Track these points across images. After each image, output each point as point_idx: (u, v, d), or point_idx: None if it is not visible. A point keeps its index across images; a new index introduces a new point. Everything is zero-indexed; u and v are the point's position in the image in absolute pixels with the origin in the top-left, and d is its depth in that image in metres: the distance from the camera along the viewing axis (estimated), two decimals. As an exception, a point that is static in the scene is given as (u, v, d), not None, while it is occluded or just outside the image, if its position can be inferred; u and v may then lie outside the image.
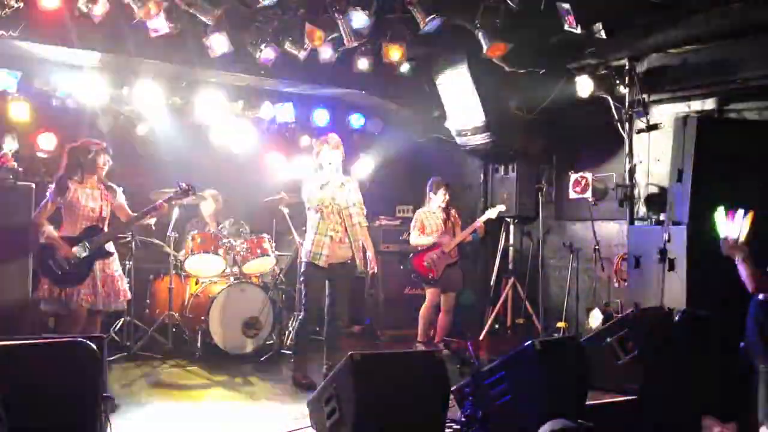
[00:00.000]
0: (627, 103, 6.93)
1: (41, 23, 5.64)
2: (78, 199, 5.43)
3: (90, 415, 3.17)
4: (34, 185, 5.74)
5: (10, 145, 6.69)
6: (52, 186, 5.46)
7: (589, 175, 7.33)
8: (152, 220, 6.16)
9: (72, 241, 5.36)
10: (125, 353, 6.53)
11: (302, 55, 6.26)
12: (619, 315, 6.32)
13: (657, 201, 6.80)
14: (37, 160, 7.00)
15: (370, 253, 5.73)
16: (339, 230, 5.65)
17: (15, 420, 2.95)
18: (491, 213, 7.31)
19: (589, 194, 7.30)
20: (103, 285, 5.42)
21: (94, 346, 3.20)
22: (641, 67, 6.84)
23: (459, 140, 8.05)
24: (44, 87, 6.85)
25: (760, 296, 4.31)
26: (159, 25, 5.57)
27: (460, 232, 7.23)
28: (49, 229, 5.37)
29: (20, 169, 5.96)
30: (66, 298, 5.28)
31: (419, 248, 7.16)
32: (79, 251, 5.33)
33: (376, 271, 5.93)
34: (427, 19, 5.76)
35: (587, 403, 4.40)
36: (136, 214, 5.67)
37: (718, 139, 5.86)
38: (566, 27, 5.75)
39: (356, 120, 8.73)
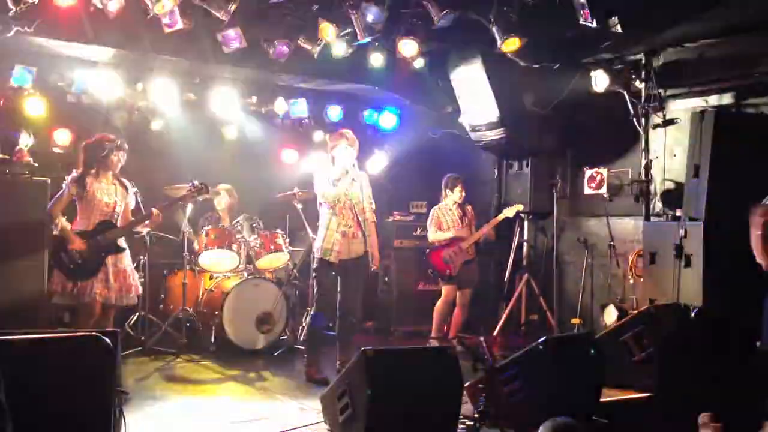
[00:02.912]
0: (643, 98, 6.87)
1: (56, 19, 5.65)
2: (94, 193, 5.46)
3: (104, 408, 3.18)
4: (49, 180, 5.78)
5: (26, 140, 6.73)
6: (68, 179, 5.49)
7: (604, 171, 7.28)
8: (145, 230, 6.18)
9: (84, 235, 5.39)
10: (139, 348, 6.56)
11: (316, 50, 6.26)
12: (635, 312, 6.27)
13: (673, 197, 6.73)
14: (52, 156, 7.04)
15: (374, 251, 5.74)
16: (352, 225, 5.65)
17: (29, 414, 2.97)
18: (509, 212, 7.29)
19: (604, 190, 7.25)
20: (115, 280, 5.45)
21: (109, 341, 3.21)
22: (657, 62, 6.79)
23: (473, 136, 8.01)
24: (59, 83, 6.88)
25: None
26: (173, 21, 5.58)
27: (475, 230, 7.21)
28: (63, 221, 5.41)
29: (36, 164, 6.00)
30: (79, 292, 5.31)
31: (436, 244, 7.16)
32: (89, 246, 5.35)
33: (378, 268, 5.94)
34: (441, 14, 5.73)
35: (602, 399, 4.38)
36: (132, 220, 5.70)
37: (736, 135, 5.78)
38: (581, 21, 5.70)
39: (369, 116, 8.71)
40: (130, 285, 5.56)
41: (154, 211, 5.64)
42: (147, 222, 5.73)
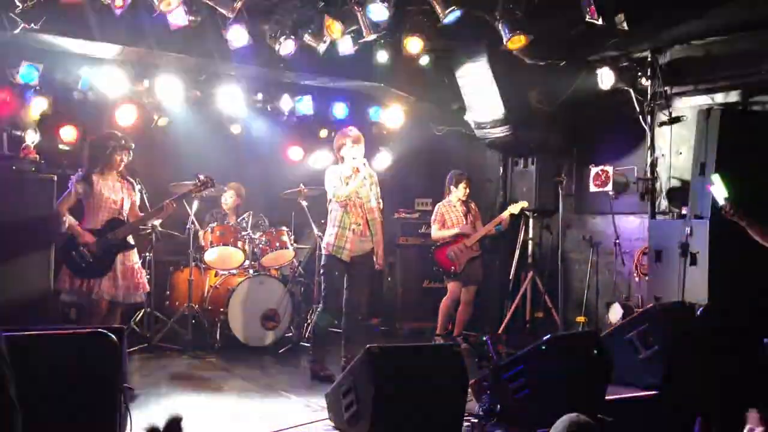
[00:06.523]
0: (649, 96, 6.86)
1: (63, 16, 5.67)
2: (100, 191, 5.46)
3: (110, 405, 3.20)
4: (55, 177, 5.79)
5: (32, 137, 6.74)
6: (74, 176, 5.50)
7: (609, 169, 7.26)
8: (157, 222, 6.18)
9: (94, 233, 5.39)
10: (145, 344, 6.57)
11: (321, 47, 6.25)
12: (640, 310, 6.27)
13: (679, 195, 6.71)
14: (58, 153, 7.05)
15: (379, 249, 5.75)
16: (360, 223, 5.66)
17: (36, 410, 2.97)
18: (514, 209, 7.27)
19: (609, 188, 7.23)
20: (123, 277, 5.45)
21: (115, 337, 3.23)
22: (664, 59, 6.77)
23: (478, 133, 8.00)
24: (65, 79, 6.89)
25: None
26: (178, 17, 5.59)
27: (481, 226, 7.21)
28: (70, 219, 5.42)
29: (42, 161, 6.01)
30: (87, 289, 5.32)
31: (440, 242, 7.15)
32: (99, 243, 5.36)
33: (382, 267, 5.97)
34: (447, 11, 5.71)
35: (607, 397, 4.38)
36: (143, 215, 5.70)
37: (742, 132, 5.76)
38: (587, 18, 5.69)
39: (375, 113, 8.71)
40: (138, 283, 5.57)
41: (168, 203, 5.64)
42: (160, 214, 5.71)
